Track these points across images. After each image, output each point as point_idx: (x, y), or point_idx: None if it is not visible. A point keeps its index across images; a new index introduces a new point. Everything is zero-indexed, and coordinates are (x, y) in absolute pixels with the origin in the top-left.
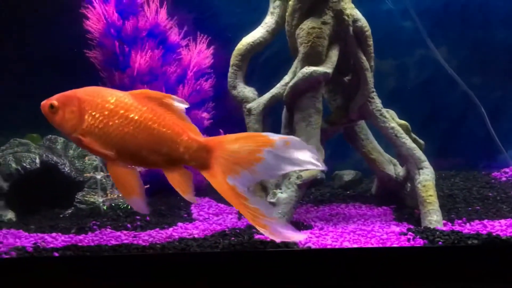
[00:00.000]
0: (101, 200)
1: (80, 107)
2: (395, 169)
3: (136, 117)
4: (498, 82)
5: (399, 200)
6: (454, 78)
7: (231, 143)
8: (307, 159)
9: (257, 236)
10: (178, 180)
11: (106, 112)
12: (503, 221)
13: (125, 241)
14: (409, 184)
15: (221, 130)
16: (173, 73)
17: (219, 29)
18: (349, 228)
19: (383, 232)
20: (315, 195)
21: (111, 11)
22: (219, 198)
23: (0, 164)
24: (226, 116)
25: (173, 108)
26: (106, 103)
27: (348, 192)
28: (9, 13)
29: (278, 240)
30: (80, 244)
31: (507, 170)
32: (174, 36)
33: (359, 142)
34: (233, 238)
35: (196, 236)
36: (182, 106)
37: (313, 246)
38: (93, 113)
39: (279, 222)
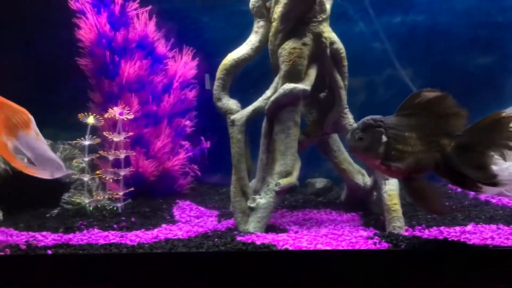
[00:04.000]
0: (87, 201)
1: None
2: (363, 179)
3: None
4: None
5: (366, 208)
6: None
7: (10, 109)
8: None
9: (238, 238)
10: None
11: None
12: (457, 228)
13: (113, 241)
14: (375, 193)
15: (202, 138)
16: (160, 82)
17: (203, 42)
18: (322, 232)
19: (352, 236)
20: (289, 201)
21: (103, 22)
22: (199, 202)
23: None
24: (207, 125)
25: None
26: None
27: (319, 199)
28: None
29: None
30: (70, 243)
31: None
32: (161, 47)
33: (331, 153)
34: (216, 239)
35: (180, 237)
36: None
37: (290, 248)
38: None
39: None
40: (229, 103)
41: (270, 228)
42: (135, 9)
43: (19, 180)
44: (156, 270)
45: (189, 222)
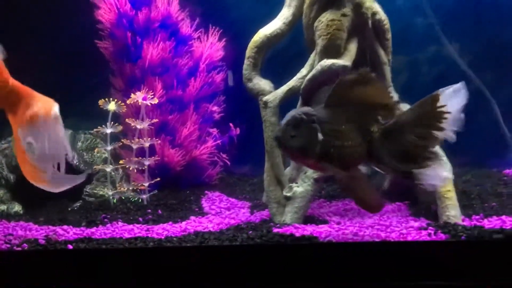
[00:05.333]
0: (110, 193)
1: None
2: None
3: None
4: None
5: (413, 196)
6: (467, 73)
7: (31, 97)
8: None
9: (275, 230)
10: None
11: None
12: None
13: (139, 234)
14: None
15: (231, 124)
16: (185, 65)
17: (230, 22)
18: (367, 222)
19: (402, 227)
20: (326, 191)
21: (123, 1)
22: (229, 193)
23: (6, 156)
24: (237, 109)
25: None
26: None
27: None
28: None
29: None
30: (93, 237)
31: None
32: (186, 28)
33: None
34: (250, 231)
35: (211, 229)
36: None
37: (334, 240)
38: None
39: (54, 174)
40: (261, 83)
41: (308, 219)
42: None
43: None
44: (186, 264)
45: (219, 214)
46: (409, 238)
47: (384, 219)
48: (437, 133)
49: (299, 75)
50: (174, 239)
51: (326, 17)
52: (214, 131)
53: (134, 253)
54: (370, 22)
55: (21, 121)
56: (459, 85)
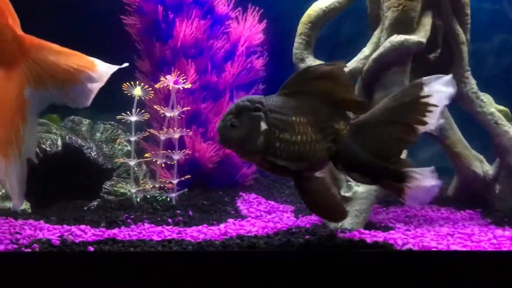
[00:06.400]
0: (133, 190)
1: None
2: (482, 167)
3: None
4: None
5: (486, 203)
6: None
7: (52, 52)
8: None
9: (340, 234)
10: None
11: None
12: None
13: (170, 237)
14: (498, 186)
15: None
16: (221, 48)
17: (272, 1)
18: (442, 231)
19: (489, 237)
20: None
21: None
22: (266, 195)
23: None
24: None
25: None
26: None
27: None
28: None
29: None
30: (117, 238)
31: None
32: (222, 6)
33: (441, 132)
34: (307, 236)
35: (257, 233)
36: None
37: (414, 248)
38: None
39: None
40: (315, 64)
41: (367, 225)
42: None
43: (50, 166)
44: (233, 271)
45: (260, 217)
46: (504, 249)
47: (461, 227)
48: (419, 127)
49: (360, 55)
50: (216, 242)
51: None
52: None
53: (169, 257)
54: None
55: (47, 80)
56: (449, 77)
